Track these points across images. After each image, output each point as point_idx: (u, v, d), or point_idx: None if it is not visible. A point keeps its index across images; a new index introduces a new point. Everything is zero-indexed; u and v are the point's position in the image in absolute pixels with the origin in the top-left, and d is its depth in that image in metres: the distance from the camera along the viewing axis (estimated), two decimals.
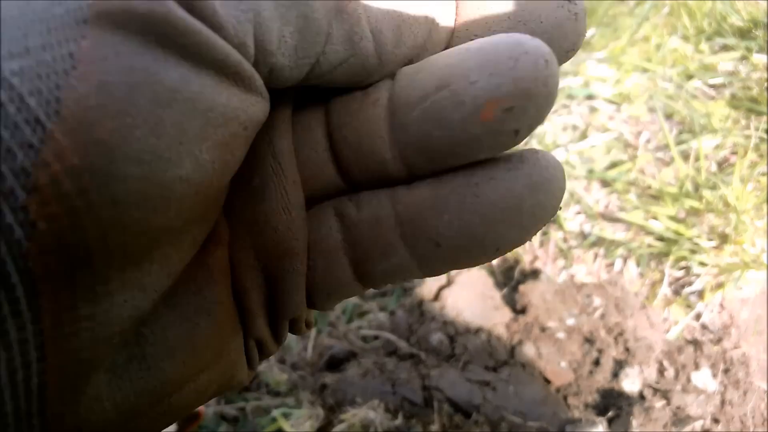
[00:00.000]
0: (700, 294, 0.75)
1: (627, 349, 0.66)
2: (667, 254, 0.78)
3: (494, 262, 0.82)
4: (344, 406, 0.58)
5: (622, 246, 0.79)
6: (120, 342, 0.13)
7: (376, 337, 0.68)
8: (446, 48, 0.17)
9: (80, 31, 0.11)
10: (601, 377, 0.64)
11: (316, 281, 0.17)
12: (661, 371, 0.66)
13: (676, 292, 0.76)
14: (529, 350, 0.66)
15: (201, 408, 0.55)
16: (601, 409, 0.62)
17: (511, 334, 0.68)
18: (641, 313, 0.71)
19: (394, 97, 0.15)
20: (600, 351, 0.66)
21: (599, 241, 0.81)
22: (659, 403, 0.62)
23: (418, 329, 0.68)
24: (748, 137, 0.85)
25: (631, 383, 0.63)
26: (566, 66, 1.02)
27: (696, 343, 0.70)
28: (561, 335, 0.67)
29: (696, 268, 0.77)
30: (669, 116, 0.93)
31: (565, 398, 0.63)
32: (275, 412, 0.58)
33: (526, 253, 0.82)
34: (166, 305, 0.14)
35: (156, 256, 0.12)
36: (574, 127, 0.95)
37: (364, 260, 0.16)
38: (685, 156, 0.87)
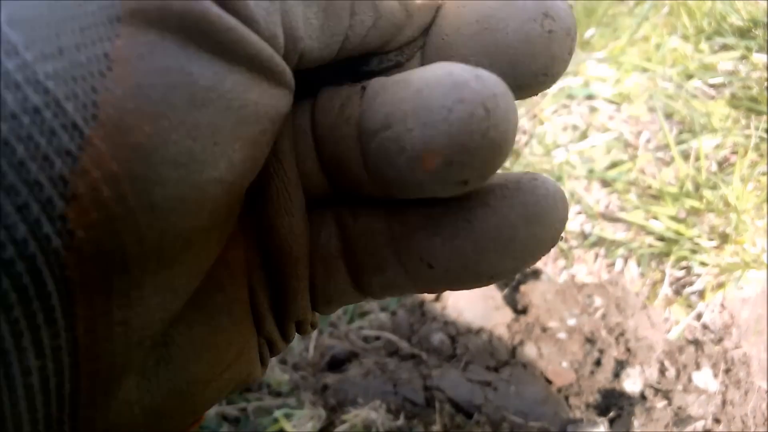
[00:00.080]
0: (701, 294, 0.75)
1: (628, 349, 0.66)
2: (667, 254, 0.78)
3: None
4: (346, 406, 0.58)
5: (623, 246, 0.79)
6: (151, 345, 0.12)
7: (377, 338, 0.68)
8: None
9: (114, 29, 0.10)
10: (603, 377, 0.64)
11: (317, 286, 0.16)
12: (663, 371, 0.66)
13: (677, 292, 0.76)
14: (530, 350, 0.66)
15: None
16: (602, 409, 0.62)
17: (513, 335, 0.68)
18: (642, 313, 0.71)
19: (360, 120, 0.14)
20: (601, 351, 0.66)
21: (600, 241, 0.81)
22: (660, 404, 0.62)
23: (420, 329, 0.68)
24: (748, 137, 0.85)
25: (632, 383, 0.63)
26: None
27: (697, 343, 0.70)
28: (562, 335, 0.67)
29: (697, 268, 0.77)
30: (669, 116, 0.93)
31: (567, 398, 0.63)
32: (277, 413, 0.58)
33: None
34: (191, 305, 0.13)
35: (187, 258, 0.12)
36: (575, 127, 0.95)
37: (360, 271, 0.16)
38: (686, 156, 0.87)
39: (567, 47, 0.13)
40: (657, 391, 0.64)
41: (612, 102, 0.97)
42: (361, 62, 0.16)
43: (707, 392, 0.65)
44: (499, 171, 0.13)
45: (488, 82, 0.12)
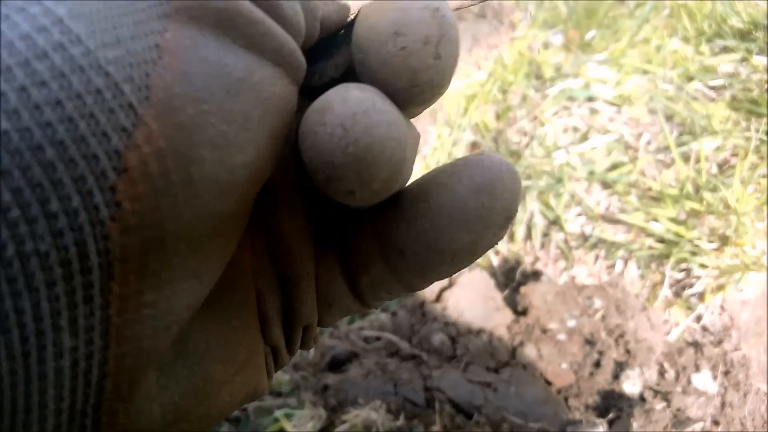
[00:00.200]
0: (701, 296, 0.75)
1: (627, 351, 0.67)
2: (667, 256, 0.78)
3: (495, 263, 0.82)
4: (346, 406, 0.58)
5: (623, 248, 0.79)
6: (175, 334, 0.13)
7: (377, 338, 0.68)
8: None
9: (162, 24, 0.11)
10: (602, 379, 0.64)
11: (319, 288, 0.17)
12: (662, 373, 0.66)
13: (677, 294, 0.77)
14: (530, 351, 0.66)
15: None
16: (601, 411, 0.62)
17: (513, 336, 0.68)
18: (642, 315, 0.71)
19: None
20: (601, 353, 0.66)
21: (600, 243, 0.81)
22: (659, 405, 0.62)
23: (420, 330, 0.68)
24: (748, 139, 0.86)
25: (631, 385, 0.63)
26: (567, 68, 1.02)
27: (696, 345, 0.70)
28: (562, 337, 0.67)
29: (696, 270, 0.77)
30: (669, 118, 0.93)
31: (566, 399, 0.63)
32: (277, 413, 0.58)
33: (527, 255, 0.82)
34: (206, 301, 0.14)
35: (213, 245, 0.13)
36: (575, 129, 0.95)
37: (353, 272, 0.17)
38: (686, 158, 0.87)
39: (429, 54, 0.14)
40: (656, 392, 0.64)
41: (612, 104, 0.97)
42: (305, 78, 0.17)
43: (706, 394, 0.65)
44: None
45: (351, 102, 0.13)
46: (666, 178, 0.85)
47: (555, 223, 0.85)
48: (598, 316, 0.70)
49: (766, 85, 0.92)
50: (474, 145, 0.98)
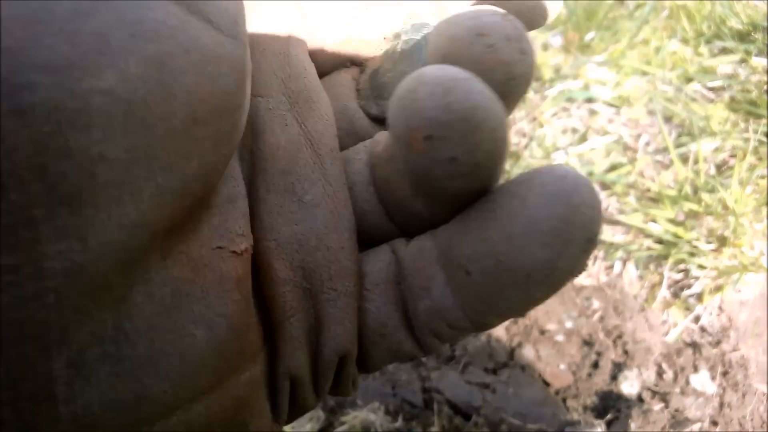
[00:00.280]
0: (699, 296, 0.76)
1: (626, 352, 0.67)
2: (666, 257, 0.78)
3: None
4: (344, 408, 0.58)
5: (622, 248, 0.80)
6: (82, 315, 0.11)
7: None
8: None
9: None
10: (600, 380, 0.64)
11: (365, 318, 0.15)
12: (660, 374, 0.67)
13: (675, 295, 0.77)
14: (528, 352, 0.66)
15: None
16: (600, 412, 0.62)
17: (511, 337, 0.68)
18: (640, 316, 0.72)
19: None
20: (599, 353, 0.66)
21: (599, 244, 0.81)
22: (657, 406, 0.62)
23: None
24: (746, 140, 0.86)
25: (629, 386, 0.64)
26: (566, 69, 1.02)
27: (695, 346, 0.70)
28: (560, 338, 0.67)
29: (695, 271, 0.77)
30: (668, 119, 0.93)
31: (564, 400, 0.63)
32: None
33: None
34: (158, 303, 0.12)
35: (101, 202, 0.10)
36: (574, 130, 0.95)
37: (408, 299, 0.15)
38: (684, 159, 0.87)
39: (515, 49, 0.14)
40: (654, 393, 0.64)
41: (611, 105, 0.97)
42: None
43: (705, 395, 0.65)
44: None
45: (448, 70, 0.13)
46: (664, 179, 0.85)
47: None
48: (597, 316, 0.71)
49: (764, 87, 0.92)
50: None
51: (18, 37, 0.10)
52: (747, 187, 0.80)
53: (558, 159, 0.89)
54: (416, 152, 0.13)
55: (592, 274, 0.80)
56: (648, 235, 0.80)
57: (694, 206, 0.80)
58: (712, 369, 0.68)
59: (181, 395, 0.13)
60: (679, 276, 0.78)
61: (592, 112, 0.96)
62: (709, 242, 0.78)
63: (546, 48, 1.10)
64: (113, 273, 0.11)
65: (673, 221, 0.80)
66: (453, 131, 0.13)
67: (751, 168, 0.83)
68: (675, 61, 1.00)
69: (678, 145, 0.88)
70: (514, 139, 0.97)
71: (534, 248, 0.13)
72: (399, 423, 0.57)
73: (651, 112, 0.94)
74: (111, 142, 0.10)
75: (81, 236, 0.10)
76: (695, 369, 0.68)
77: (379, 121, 0.18)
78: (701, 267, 0.77)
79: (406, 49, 0.18)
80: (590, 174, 0.87)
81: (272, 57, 0.17)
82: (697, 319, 0.74)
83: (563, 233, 0.13)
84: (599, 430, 0.58)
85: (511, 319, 0.71)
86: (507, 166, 0.90)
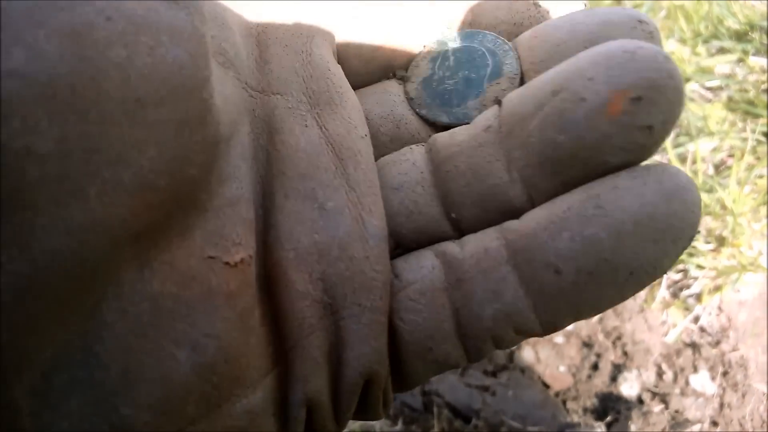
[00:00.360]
0: (698, 297, 0.76)
1: (625, 353, 0.67)
2: None
3: None
4: None
5: None
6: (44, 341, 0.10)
7: None
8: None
9: None
10: (600, 381, 0.64)
11: (411, 332, 0.14)
12: (660, 374, 0.67)
13: (674, 295, 0.77)
14: (528, 355, 0.66)
15: None
16: (599, 413, 0.62)
17: None
18: (639, 317, 0.72)
19: (504, 117, 0.14)
20: (598, 355, 0.66)
21: None
22: (657, 408, 0.62)
23: None
24: (744, 140, 0.86)
25: (629, 387, 0.64)
26: None
27: (694, 346, 0.70)
28: (559, 339, 0.67)
29: (694, 271, 0.77)
30: None
31: (564, 402, 0.63)
32: None
33: None
34: (133, 321, 0.11)
35: (39, 203, 0.09)
36: None
37: (469, 305, 0.14)
38: (682, 159, 0.87)
39: (660, 42, 0.15)
40: (654, 394, 0.64)
41: None
42: (457, 109, 0.18)
43: (705, 395, 0.65)
44: None
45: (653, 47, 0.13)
46: None
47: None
48: (596, 318, 0.71)
49: (762, 86, 0.92)
50: None
51: None
52: (745, 187, 0.81)
53: None
54: (610, 115, 0.12)
55: None
56: None
57: None
58: (711, 369, 0.68)
59: (165, 426, 0.11)
60: (678, 276, 0.78)
61: None
62: (708, 242, 0.78)
63: None
64: (70, 286, 0.10)
65: None
66: (665, 98, 0.12)
67: (750, 168, 0.83)
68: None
69: (676, 145, 0.88)
70: None
71: (645, 246, 0.13)
72: (399, 426, 0.57)
73: None
74: (35, 133, 0.09)
75: (21, 244, 0.09)
76: (695, 369, 0.68)
77: (435, 128, 0.18)
78: (700, 267, 0.77)
79: (461, 57, 0.19)
80: None
81: (294, 55, 0.16)
82: (696, 319, 0.74)
83: (677, 230, 0.13)
84: (599, 431, 0.58)
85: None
86: None
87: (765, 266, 0.75)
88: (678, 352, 0.69)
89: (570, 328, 0.69)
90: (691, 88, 0.96)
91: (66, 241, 0.09)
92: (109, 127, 0.10)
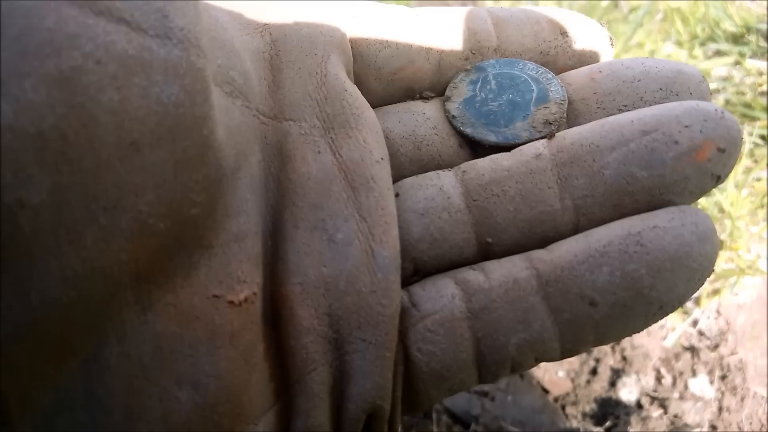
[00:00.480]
0: (697, 300, 0.76)
1: (624, 358, 0.67)
2: None
3: None
4: None
5: None
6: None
7: None
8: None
9: None
10: (599, 386, 0.64)
11: (428, 363, 0.14)
12: (659, 378, 0.67)
13: None
14: None
15: None
16: (599, 418, 0.62)
17: None
18: None
19: (567, 146, 0.15)
20: (597, 360, 0.66)
21: None
22: (656, 412, 0.62)
23: None
24: (742, 143, 0.86)
25: (628, 392, 0.64)
26: None
27: (693, 350, 0.70)
28: None
29: None
30: None
31: (563, 408, 0.63)
32: None
33: None
34: (135, 364, 0.11)
35: (36, 254, 0.09)
36: None
37: (493, 334, 0.14)
38: None
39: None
40: (653, 399, 0.64)
41: None
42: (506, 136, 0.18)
43: (703, 399, 0.65)
44: None
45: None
46: None
47: None
48: None
49: (759, 89, 0.92)
50: None
51: None
52: (743, 190, 0.81)
53: None
54: (696, 160, 0.14)
55: None
56: None
57: None
58: (710, 373, 0.68)
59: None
60: None
61: None
62: None
63: None
64: (70, 332, 0.10)
65: None
66: (736, 155, 0.15)
67: (747, 171, 0.83)
68: None
69: None
70: None
71: (678, 283, 0.14)
72: None
73: None
74: (28, 185, 0.09)
75: (19, 293, 0.09)
76: (694, 373, 0.68)
77: (466, 150, 0.18)
78: None
79: (502, 81, 0.20)
80: None
81: (308, 77, 0.15)
82: (695, 322, 0.74)
83: (704, 270, 0.15)
84: None
85: None
86: None
87: (763, 269, 0.75)
88: (677, 356, 0.69)
89: None
90: None
91: (64, 289, 0.09)
92: (104, 173, 0.10)
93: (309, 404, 0.13)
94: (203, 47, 0.11)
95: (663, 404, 0.63)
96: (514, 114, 0.19)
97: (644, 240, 0.14)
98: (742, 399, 0.67)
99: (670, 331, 0.75)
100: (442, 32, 0.18)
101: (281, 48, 0.15)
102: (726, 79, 0.96)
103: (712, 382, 0.67)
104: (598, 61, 0.20)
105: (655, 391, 0.65)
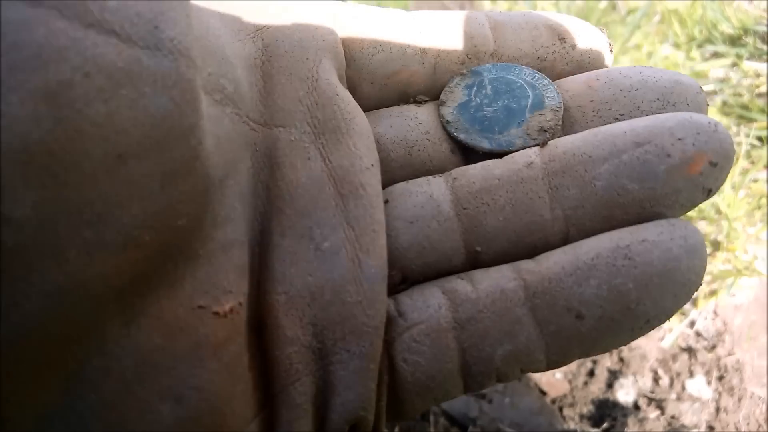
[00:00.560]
0: (694, 301, 0.76)
1: (621, 359, 0.67)
2: None
3: None
4: None
5: None
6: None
7: None
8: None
9: None
10: (596, 388, 0.65)
11: (413, 373, 0.14)
12: (656, 380, 0.67)
13: None
14: None
15: None
16: (596, 420, 0.62)
17: None
18: None
19: (559, 156, 0.15)
20: (594, 361, 0.67)
21: None
22: (653, 414, 0.62)
23: None
24: (739, 144, 0.86)
25: (625, 393, 0.64)
26: None
27: (690, 351, 0.70)
28: None
29: None
30: None
31: (561, 409, 0.63)
32: None
33: None
34: (117, 378, 0.11)
35: (17, 269, 0.09)
36: None
37: (479, 345, 0.14)
38: None
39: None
40: (650, 400, 0.64)
41: None
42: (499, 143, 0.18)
43: (701, 400, 0.66)
44: None
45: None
46: None
47: None
48: None
49: (756, 90, 0.92)
50: None
51: None
52: (740, 191, 0.81)
53: None
54: (688, 173, 0.14)
55: None
56: None
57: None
58: (707, 374, 0.68)
59: None
60: None
61: None
62: None
63: None
64: (52, 348, 0.10)
65: None
66: (728, 169, 0.14)
67: (744, 172, 0.83)
68: (667, 66, 1.00)
69: None
70: None
71: (666, 298, 0.14)
72: None
73: None
74: (12, 200, 0.09)
75: (24, 297, 0.09)
76: (691, 374, 0.68)
77: (467, 153, 0.18)
78: None
79: (498, 86, 0.19)
80: None
81: (299, 82, 0.15)
82: (692, 323, 0.74)
83: (691, 285, 0.14)
84: None
85: None
86: None
87: (760, 270, 0.75)
88: (674, 357, 0.69)
89: None
90: None
91: (46, 304, 0.09)
92: (89, 187, 0.09)
93: (292, 415, 0.13)
94: (194, 57, 0.11)
95: (660, 405, 0.63)
96: (509, 120, 0.18)
97: (632, 253, 0.14)
98: (740, 399, 0.67)
99: (668, 332, 0.75)
100: (438, 36, 0.18)
101: (273, 53, 0.15)
102: (723, 80, 0.96)
103: (709, 383, 0.67)
104: (596, 68, 0.20)
105: (652, 392, 0.65)
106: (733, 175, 0.82)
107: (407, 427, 0.59)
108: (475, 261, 0.16)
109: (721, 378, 0.68)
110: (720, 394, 0.67)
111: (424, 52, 0.18)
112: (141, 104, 0.10)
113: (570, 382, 0.65)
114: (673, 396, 0.65)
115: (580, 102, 0.18)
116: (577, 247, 0.15)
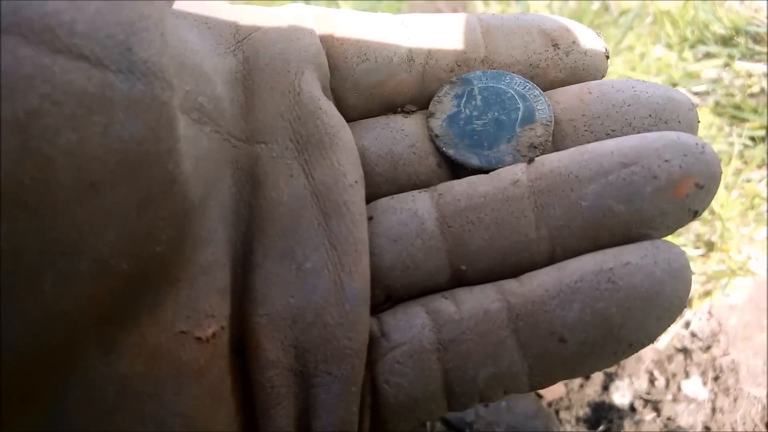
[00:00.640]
0: (689, 302, 0.76)
1: None
2: None
3: None
4: None
5: None
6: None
7: None
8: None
9: None
10: (592, 390, 0.65)
11: (396, 395, 0.14)
12: (652, 381, 0.67)
13: None
14: None
15: None
16: (592, 423, 0.62)
17: None
18: None
19: (546, 174, 0.15)
20: None
21: None
22: (650, 415, 0.62)
23: None
24: (731, 144, 0.87)
25: (621, 396, 0.64)
26: None
27: (686, 352, 0.70)
28: None
29: None
30: None
31: (557, 412, 0.63)
32: None
33: None
34: (98, 407, 0.11)
35: (9, 294, 0.09)
36: None
37: (462, 367, 0.14)
38: None
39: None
40: (646, 402, 0.64)
41: None
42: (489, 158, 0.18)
43: (697, 400, 0.66)
44: None
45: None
46: None
47: None
48: None
49: (748, 90, 0.93)
50: None
51: None
52: (733, 192, 0.81)
53: None
54: (675, 196, 0.14)
55: None
56: None
57: None
58: (703, 374, 0.69)
59: None
60: None
61: None
62: (697, 247, 0.78)
63: None
64: (28, 380, 0.09)
65: None
66: (714, 191, 0.14)
67: (737, 172, 0.83)
68: (660, 67, 1.01)
69: None
70: None
71: (649, 322, 0.14)
72: None
73: None
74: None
75: (20, 321, 0.09)
76: (687, 375, 0.69)
77: (455, 167, 0.18)
78: None
79: (488, 96, 0.19)
80: None
81: (280, 97, 0.15)
82: (687, 324, 0.74)
83: (675, 309, 0.14)
84: None
85: None
86: None
87: (754, 271, 0.75)
88: (669, 358, 0.70)
89: None
90: None
91: (21, 336, 0.09)
92: (62, 217, 0.09)
93: None
94: (169, 78, 0.11)
95: (656, 407, 0.64)
96: (499, 135, 0.18)
97: (616, 277, 0.14)
98: (736, 400, 0.67)
99: (663, 333, 0.75)
100: (427, 42, 0.18)
101: (254, 66, 0.15)
102: (715, 81, 0.97)
103: (705, 384, 0.68)
104: (591, 74, 0.20)
105: (648, 393, 0.65)
106: (727, 175, 0.83)
107: None
108: (460, 279, 0.15)
109: (716, 378, 0.68)
110: (716, 394, 0.67)
111: (411, 60, 0.17)
112: (114, 130, 0.10)
113: (566, 385, 0.65)
114: (669, 397, 0.65)
115: (572, 116, 0.17)
116: (561, 269, 0.14)
